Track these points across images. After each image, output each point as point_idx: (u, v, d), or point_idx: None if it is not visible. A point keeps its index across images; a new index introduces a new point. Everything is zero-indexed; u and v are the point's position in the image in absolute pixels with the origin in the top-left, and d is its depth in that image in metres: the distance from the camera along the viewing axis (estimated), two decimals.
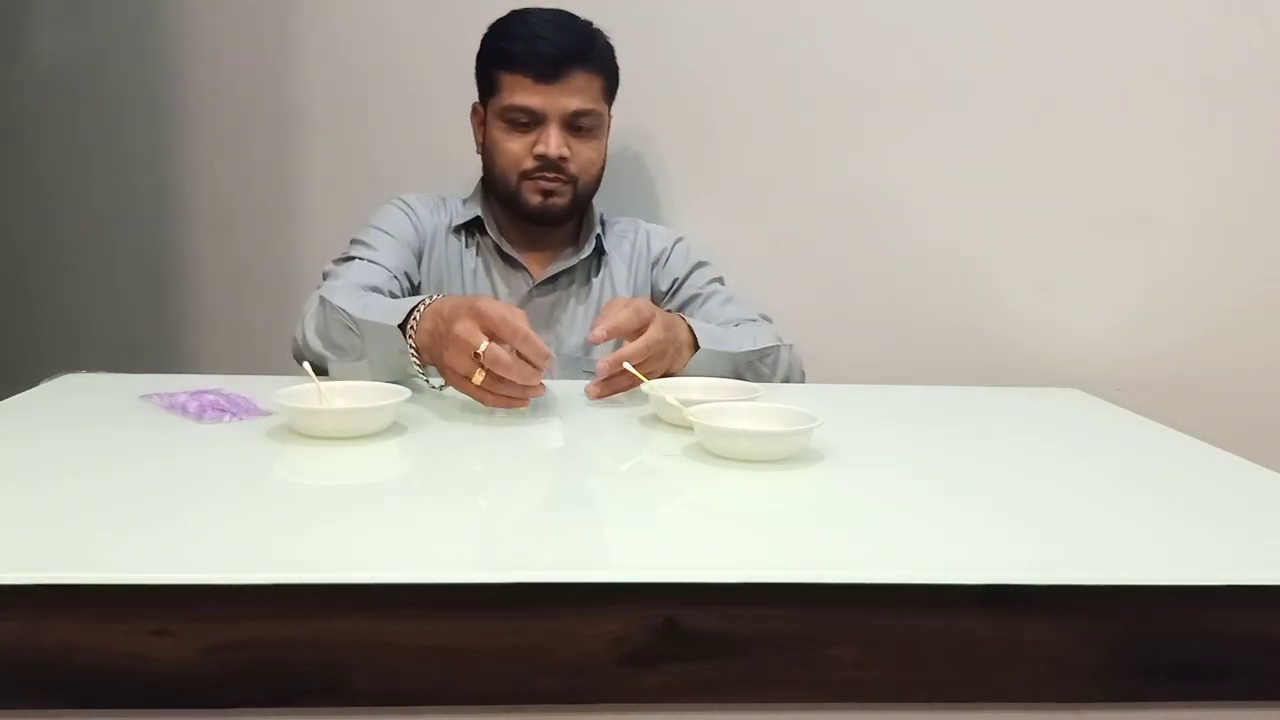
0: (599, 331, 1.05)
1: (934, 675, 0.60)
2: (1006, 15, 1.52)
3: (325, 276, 1.27)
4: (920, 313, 1.59)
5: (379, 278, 1.25)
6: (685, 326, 1.18)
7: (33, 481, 0.77)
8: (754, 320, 1.36)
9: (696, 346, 1.17)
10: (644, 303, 1.11)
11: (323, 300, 1.16)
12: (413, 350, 1.03)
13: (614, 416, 1.07)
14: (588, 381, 1.31)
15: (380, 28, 1.59)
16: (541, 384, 0.99)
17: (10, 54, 1.67)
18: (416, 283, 1.35)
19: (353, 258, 1.27)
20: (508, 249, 1.37)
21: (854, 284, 1.60)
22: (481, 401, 0.99)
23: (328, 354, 1.15)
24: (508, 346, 0.94)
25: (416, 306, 1.03)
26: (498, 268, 1.39)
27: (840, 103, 1.56)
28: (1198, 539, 0.73)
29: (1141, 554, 0.70)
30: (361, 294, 1.19)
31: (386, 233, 1.32)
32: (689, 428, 0.91)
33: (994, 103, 1.54)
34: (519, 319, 0.95)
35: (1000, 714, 0.62)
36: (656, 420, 1.02)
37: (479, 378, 0.95)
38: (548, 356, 0.97)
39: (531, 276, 1.39)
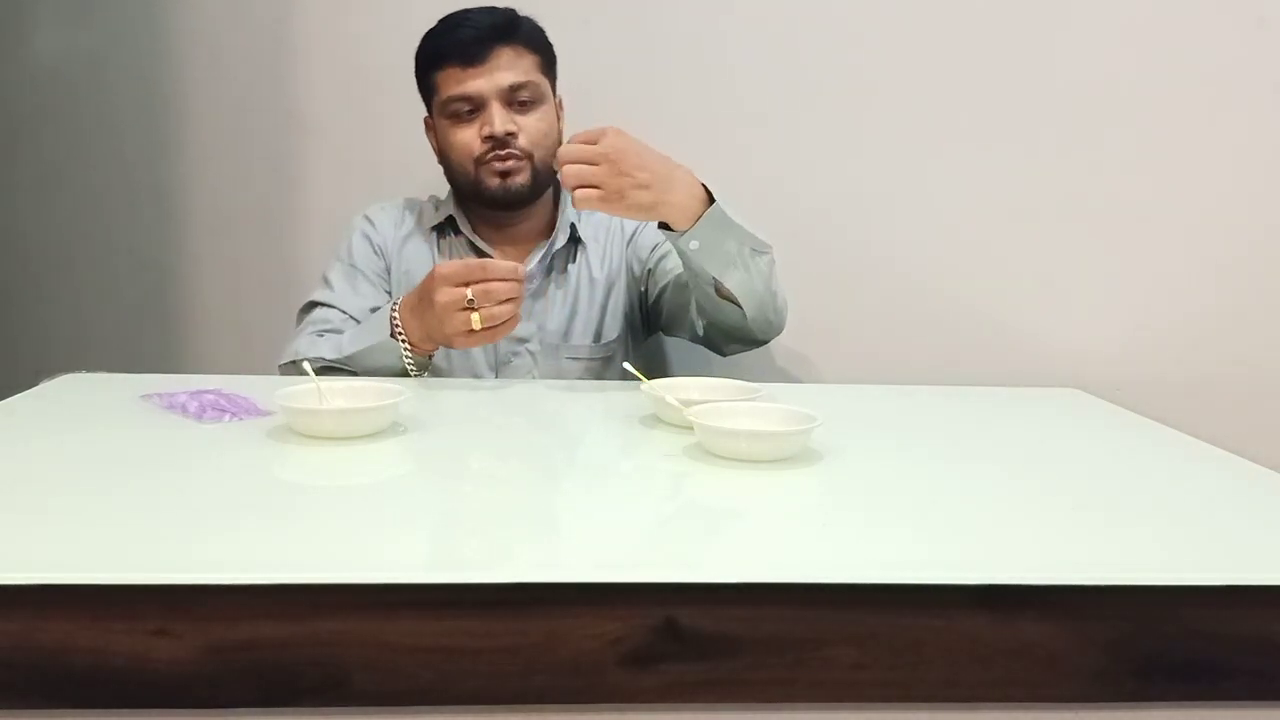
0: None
1: (933, 675, 0.60)
2: (1006, 15, 1.52)
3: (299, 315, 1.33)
4: (920, 313, 1.59)
5: (336, 320, 1.29)
6: (698, 182, 1.13)
7: (32, 481, 0.77)
8: None
9: (711, 204, 1.12)
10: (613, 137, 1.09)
11: (293, 363, 1.20)
12: (406, 350, 1.18)
13: (614, 416, 1.07)
14: (573, 374, 1.32)
15: (380, 27, 1.59)
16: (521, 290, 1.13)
17: (10, 54, 1.67)
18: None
19: (315, 304, 1.31)
20: (481, 244, 1.37)
21: (853, 284, 1.60)
22: (491, 339, 1.13)
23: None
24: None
25: (392, 318, 1.18)
26: None
27: (839, 102, 1.56)
28: (1197, 539, 0.73)
29: (1141, 554, 0.70)
30: (327, 337, 1.26)
31: (351, 265, 1.35)
32: (689, 428, 0.91)
33: (994, 102, 1.54)
34: (467, 262, 1.13)
35: (1000, 714, 0.62)
36: (656, 420, 1.02)
37: (477, 321, 1.09)
38: (514, 268, 1.11)
39: None
